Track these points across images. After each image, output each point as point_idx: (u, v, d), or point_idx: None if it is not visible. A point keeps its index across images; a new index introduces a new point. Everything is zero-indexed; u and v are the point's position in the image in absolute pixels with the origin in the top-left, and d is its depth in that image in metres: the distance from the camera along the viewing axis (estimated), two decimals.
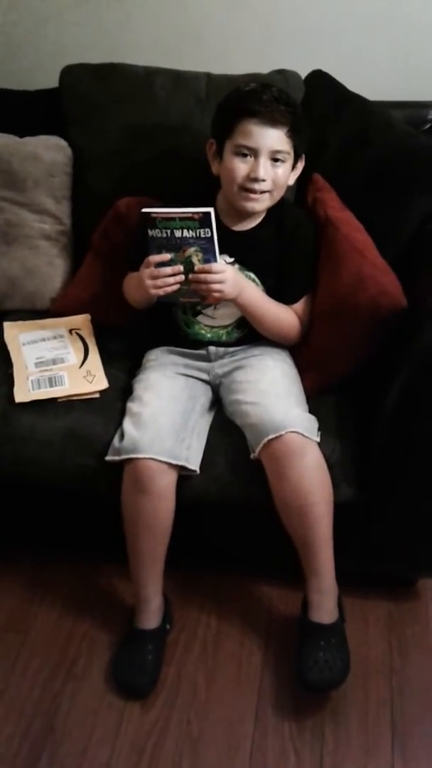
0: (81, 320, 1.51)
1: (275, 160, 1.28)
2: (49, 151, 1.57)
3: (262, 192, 1.30)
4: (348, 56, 1.67)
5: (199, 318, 1.40)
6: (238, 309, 1.34)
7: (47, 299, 1.59)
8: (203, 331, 1.41)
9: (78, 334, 1.48)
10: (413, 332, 1.19)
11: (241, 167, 1.28)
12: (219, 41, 1.73)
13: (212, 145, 1.35)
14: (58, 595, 1.48)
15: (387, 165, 1.39)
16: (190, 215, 1.17)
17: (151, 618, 1.33)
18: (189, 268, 1.23)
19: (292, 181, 1.36)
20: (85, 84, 1.57)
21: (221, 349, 1.41)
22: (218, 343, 1.41)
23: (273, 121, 1.25)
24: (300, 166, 1.36)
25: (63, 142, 1.59)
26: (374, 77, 1.63)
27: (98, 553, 1.52)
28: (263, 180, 1.28)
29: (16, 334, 1.48)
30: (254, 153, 1.27)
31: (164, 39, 1.75)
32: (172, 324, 1.42)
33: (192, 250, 1.21)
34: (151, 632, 1.33)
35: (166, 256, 1.23)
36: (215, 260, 1.23)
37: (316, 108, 1.51)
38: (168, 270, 1.23)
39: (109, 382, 1.38)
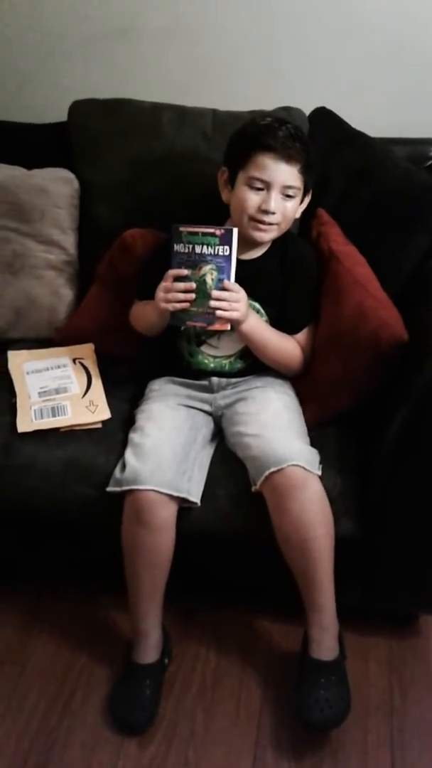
0: (85, 350, 1.52)
1: (286, 195, 1.31)
2: (57, 184, 1.60)
3: (271, 224, 1.32)
4: (351, 93, 1.70)
5: (203, 348, 1.41)
6: (242, 338, 1.35)
7: (52, 328, 1.61)
8: (206, 361, 1.41)
9: (82, 363, 1.49)
10: (415, 367, 1.19)
11: (253, 198, 1.31)
12: (224, 78, 1.76)
13: (224, 173, 1.37)
14: (57, 627, 1.47)
15: (388, 202, 1.41)
16: (212, 231, 1.22)
17: (149, 652, 1.31)
18: (202, 287, 1.25)
19: (298, 214, 1.38)
20: (92, 119, 1.60)
21: (224, 380, 1.42)
22: (221, 374, 1.42)
23: (288, 158, 1.29)
24: (307, 200, 1.39)
25: (70, 175, 1.61)
26: (377, 114, 1.66)
27: (97, 585, 1.51)
28: (273, 213, 1.30)
29: (20, 363, 1.49)
30: (267, 186, 1.30)
31: (171, 75, 1.78)
32: (176, 354, 1.43)
33: (208, 268, 1.24)
34: (149, 667, 1.31)
35: (184, 271, 1.26)
36: (229, 280, 1.25)
37: (320, 144, 1.53)
38: (181, 285, 1.25)
39: (112, 412, 1.39)
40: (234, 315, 1.26)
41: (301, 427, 1.34)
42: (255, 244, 1.37)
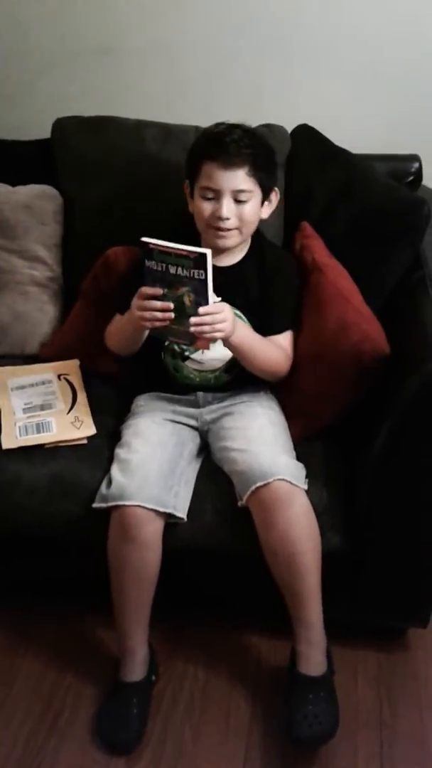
0: (70, 366, 1.52)
1: (238, 199, 1.32)
2: (41, 200, 1.60)
3: (229, 229, 1.33)
4: (333, 110, 1.72)
5: (188, 363, 1.41)
6: (230, 348, 1.33)
7: (36, 345, 1.60)
8: (192, 376, 1.42)
9: (67, 379, 1.49)
10: (399, 381, 1.20)
11: (206, 208, 1.33)
12: (208, 95, 1.78)
13: (187, 186, 1.40)
14: (43, 645, 1.46)
15: (370, 218, 1.43)
16: (186, 253, 1.16)
17: (136, 670, 1.31)
18: (180, 307, 1.21)
19: (266, 214, 1.40)
20: (76, 136, 1.61)
21: (210, 395, 1.42)
22: (207, 388, 1.42)
23: (231, 164, 1.30)
24: (274, 199, 1.40)
25: (54, 191, 1.62)
26: (358, 131, 1.68)
27: (83, 603, 1.50)
28: (227, 218, 1.32)
29: (5, 380, 1.48)
30: (217, 194, 1.31)
31: (155, 93, 1.80)
32: (161, 369, 1.43)
33: (184, 290, 1.19)
34: (136, 685, 1.30)
35: (159, 291, 1.21)
36: (206, 303, 1.20)
37: (302, 161, 1.56)
38: (158, 304, 1.21)
39: (97, 428, 1.38)
40: (218, 336, 1.24)
41: (287, 442, 1.34)
42: (226, 250, 1.39)
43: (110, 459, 1.32)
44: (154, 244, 1.18)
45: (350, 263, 1.40)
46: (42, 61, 1.80)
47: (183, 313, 1.21)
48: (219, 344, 1.31)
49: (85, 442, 1.36)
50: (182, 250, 1.16)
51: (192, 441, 1.39)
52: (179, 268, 1.17)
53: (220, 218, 1.31)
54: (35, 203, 1.59)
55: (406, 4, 1.63)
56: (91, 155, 1.59)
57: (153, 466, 1.27)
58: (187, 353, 1.40)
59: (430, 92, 1.71)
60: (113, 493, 1.23)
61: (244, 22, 1.70)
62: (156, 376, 1.44)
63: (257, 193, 1.34)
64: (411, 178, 1.59)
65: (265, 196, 1.37)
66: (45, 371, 1.51)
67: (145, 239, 1.19)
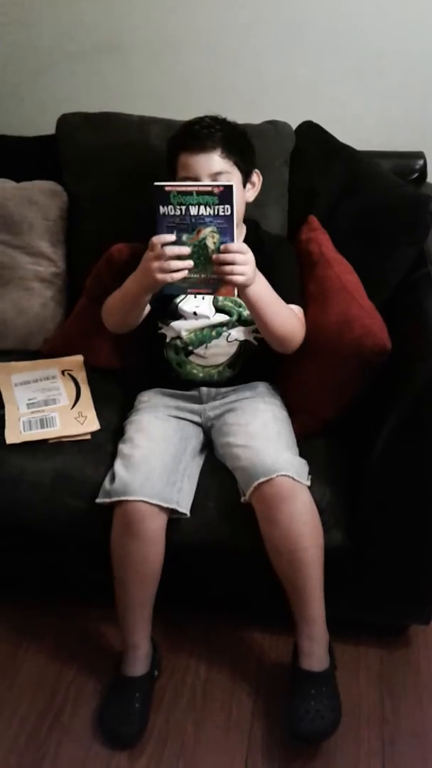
0: (73, 361, 1.52)
1: None
2: (45, 196, 1.60)
3: None
4: (337, 107, 1.73)
5: (191, 358, 1.41)
6: (248, 304, 1.28)
7: (40, 340, 1.61)
8: (195, 371, 1.42)
9: (70, 375, 1.49)
10: (403, 378, 1.20)
11: None
12: (212, 92, 1.78)
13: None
14: (46, 640, 1.46)
15: (374, 214, 1.43)
16: (210, 189, 1.10)
17: (138, 665, 1.31)
18: (202, 252, 1.13)
19: (251, 197, 1.40)
20: (81, 132, 1.61)
21: (213, 391, 1.42)
22: (210, 384, 1.42)
23: (203, 148, 1.31)
24: (257, 180, 1.41)
25: (59, 187, 1.62)
26: (363, 128, 1.68)
27: (86, 597, 1.51)
28: None
29: (9, 375, 1.49)
30: (196, 181, 1.31)
31: (159, 89, 1.80)
32: (164, 365, 1.43)
33: (208, 230, 1.12)
34: (138, 679, 1.31)
35: (171, 237, 1.13)
36: (232, 241, 1.14)
37: (306, 158, 1.56)
38: (176, 250, 1.14)
39: (101, 423, 1.39)
40: (240, 279, 1.17)
41: (290, 438, 1.34)
42: None
43: (113, 454, 1.32)
44: (171, 186, 1.11)
45: (354, 259, 1.40)
46: (47, 57, 1.80)
47: (204, 258, 1.14)
48: (227, 337, 1.28)
49: (88, 437, 1.37)
50: (205, 185, 1.12)
51: (195, 437, 1.39)
52: (201, 207, 1.11)
53: None
54: (40, 199, 1.60)
55: (410, 1, 1.62)
56: (96, 151, 1.59)
57: (156, 461, 1.27)
58: (190, 348, 1.40)
59: None
60: (116, 488, 1.24)
61: (248, 18, 1.69)
62: (159, 372, 1.45)
63: (236, 175, 1.34)
64: (416, 175, 1.59)
65: (246, 179, 1.37)
66: (49, 367, 1.51)
67: (158, 183, 1.11)
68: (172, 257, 1.15)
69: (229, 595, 1.47)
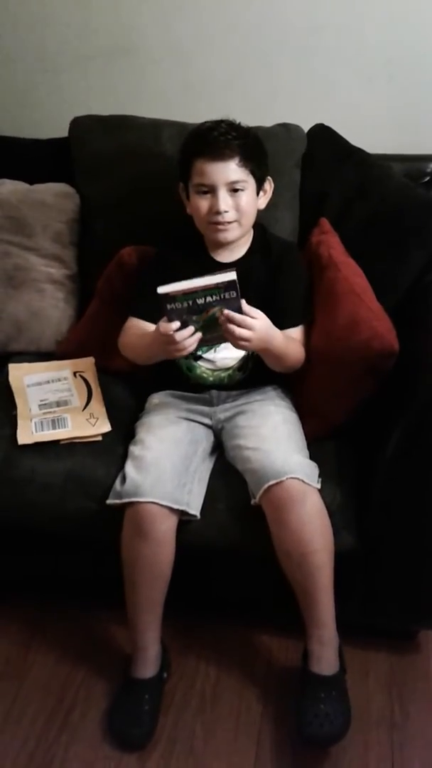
0: (85, 363, 1.52)
1: (234, 190, 1.33)
2: (58, 198, 1.61)
3: (229, 222, 1.34)
4: (350, 110, 1.72)
5: (200, 362, 1.41)
6: (258, 351, 1.31)
7: (52, 342, 1.61)
8: (205, 375, 1.42)
9: (82, 376, 1.49)
10: (413, 381, 1.20)
11: (203, 204, 1.33)
12: (224, 95, 1.78)
13: (182, 188, 1.41)
14: (55, 642, 1.46)
15: (386, 217, 1.43)
16: (213, 286, 1.13)
17: (148, 666, 1.31)
18: (212, 320, 1.18)
19: (263, 205, 1.40)
20: (93, 135, 1.62)
21: (223, 393, 1.42)
22: (220, 387, 1.42)
23: (221, 156, 1.31)
24: (269, 188, 1.41)
25: (71, 190, 1.63)
26: (375, 131, 1.68)
27: (96, 599, 1.51)
28: (225, 211, 1.32)
29: (21, 376, 1.49)
30: (212, 189, 1.32)
31: (170, 92, 1.80)
32: (175, 368, 1.43)
33: (215, 309, 1.17)
34: (148, 681, 1.31)
35: (176, 325, 1.18)
36: (240, 312, 1.19)
37: (318, 161, 1.56)
38: (187, 333, 1.19)
39: (112, 425, 1.39)
40: (244, 344, 1.22)
41: (301, 441, 1.34)
42: (226, 244, 1.39)
43: (124, 456, 1.32)
44: (174, 292, 1.14)
45: (365, 262, 1.40)
46: (60, 61, 1.81)
47: (215, 323, 1.19)
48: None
49: (99, 438, 1.37)
50: (209, 284, 1.14)
51: (206, 439, 1.39)
52: (208, 297, 1.15)
53: (218, 212, 1.32)
54: (52, 201, 1.60)
55: (422, 4, 1.62)
56: (108, 154, 1.60)
57: (167, 463, 1.27)
58: (200, 353, 1.40)
59: None
60: (127, 489, 1.24)
61: (259, 21, 1.70)
62: (170, 374, 1.45)
63: (251, 183, 1.35)
64: (427, 178, 1.59)
65: (259, 186, 1.38)
66: (61, 368, 1.52)
67: (162, 290, 1.14)
68: (184, 338, 1.19)
69: (238, 597, 1.47)
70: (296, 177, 1.56)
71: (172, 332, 1.19)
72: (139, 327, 1.40)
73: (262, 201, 1.40)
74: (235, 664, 1.42)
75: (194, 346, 1.22)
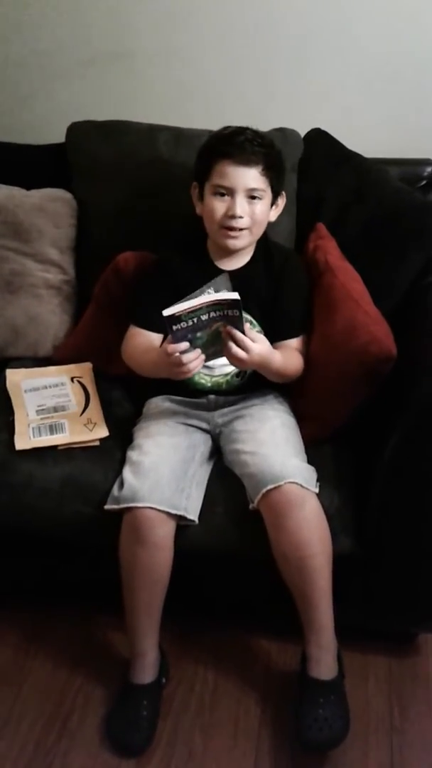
0: (83, 368, 1.53)
1: (252, 197, 1.33)
2: (55, 204, 1.61)
3: (241, 229, 1.34)
4: (346, 115, 1.73)
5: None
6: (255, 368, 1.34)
7: (50, 347, 1.61)
8: (203, 381, 1.42)
9: (79, 382, 1.49)
10: (411, 385, 1.20)
11: (219, 206, 1.33)
12: (221, 99, 1.79)
13: (195, 188, 1.40)
14: (53, 647, 1.46)
15: (382, 221, 1.43)
16: (218, 302, 1.15)
17: (146, 672, 1.31)
18: (216, 335, 1.21)
19: (273, 217, 1.40)
20: (90, 140, 1.62)
21: (221, 398, 1.42)
22: (218, 392, 1.42)
23: (246, 161, 1.31)
24: (281, 203, 1.41)
25: (68, 195, 1.63)
26: (371, 135, 1.68)
27: (95, 604, 1.51)
28: (241, 217, 1.32)
29: (19, 381, 1.49)
30: (231, 192, 1.32)
31: (167, 97, 1.81)
32: None
33: (218, 324, 1.19)
34: (146, 687, 1.30)
35: (185, 346, 1.20)
36: (242, 330, 1.21)
37: (315, 165, 1.56)
38: (192, 356, 1.21)
39: (110, 430, 1.39)
40: (238, 364, 1.26)
41: (299, 445, 1.34)
42: (234, 252, 1.39)
43: (122, 461, 1.32)
44: (179, 312, 1.14)
45: (362, 266, 1.40)
46: (56, 66, 1.82)
47: (218, 338, 1.21)
48: None
49: (97, 443, 1.37)
50: (214, 301, 1.15)
51: (204, 444, 1.39)
52: (212, 313, 1.17)
53: (234, 216, 1.32)
54: (49, 206, 1.60)
55: (418, 8, 1.63)
56: (105, 159, 1.60)
57: (165, 468, 1.27)
58: None
59: None
60: (125, 495, 1.24)
61: (255, 26, 1.70)
62: (167, 380, 1.44)
63: (268, 194, 1.35)
64: (424, 182, 1.59)
65: (274, 199, 1.38)
66: (58, 373, 1.52)
67: (168, 312, 1.14)
68: (191, 360, 1.21)
69: (237, 602, 1.46)
70: (293, 181, 1.56)
71: (179, 354, 1.20)
72: (142, 336, 1.40)
73: (273, 213, 1.40)
74: (233, 669, 1.42)
75: (199, 367, 1.24)
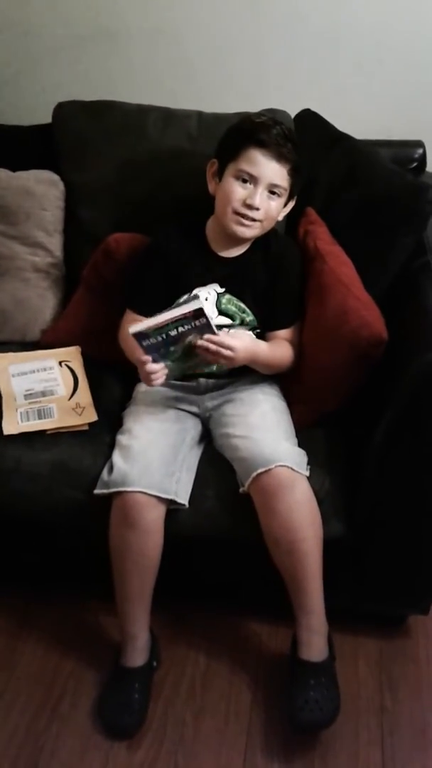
0: (71, 352, 1.51)
1: (272, 192, 1.32)
2: (42, 185, 1.59)
3: (254, 220, 1.33)
4: (337, 96, 1.72)
5: None
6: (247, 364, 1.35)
7: (37, 331, 1.60)
8: None
9: (68, 366, 1.48)
10: (401, 368, 1.19)
11: (239, 191, 1.31)
12: (210, 80, 1.77)
13: (213, 164, 1.37)
14: (44, 631, 1.46)
15: (373, 203, 1.42)
16: (182, 316, 1.17)
17: (137, 655, 1.31)
18: (189, 349, 1.24)
19: (281, 217, 1.39)
20: (77, 120, 1.59)
21: (211, 382, 1.41)
22: (209, 375, 1.41)
23: (279, 156, 1.30)
24: (291, 204, 1.40)
25: (55, 177, 1.61)
26: (362, 117, 1.67)
27: (85, 589, 1.50)
28: (257, 209, 1.31)
29: (6, 366, 1.48)
30: (254, 181, 1.30)
31: (156, 78, 1.79)
32: None
33: (190, 337, 1.22)
34: (137, 670, 1.30)
35: (148, 359, 1.23)
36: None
37: (306, 146, 1.52)
38: (156, 368, 1.24)
39: (99, 414, 1.38)
40: (226, 362, 1.27)
41: (289, 428, 1.34)
42: (237, 240, 1.38)
43: (111, 445, 1.32)
44: (145, 330, 1.19)
45: (353, 249, 1.39)
46: (43, 46, 1.79)
47: (192, 352, 1.24)
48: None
49: (86, 428, 1.36)
50: (177, 315, 1.17)
51: (194, 428, 1.38)
52: (179, 327, 1.19)
53: (251, 206, 1.30)
54: (36, 188, 1.58)
55: None
56: (93, 140, 1.58)
57: (155, 452, 1.27)
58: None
59: None
60: (115, 479, 1.23)
61: (247, 7, 1.68)
62: None
63: (285, 194, 1.34)
64: (415, 164, 1.58)
65: (288, 200, 1.37)
66: (46, 357, 1.50)
67: (134, 330, 1.19)
68: (154, 372, 1.25)
69: (228, 585, 1.47)
70: None
71: (145, 365, 1.24)
72: (137, 321, 1.38)
73: (282, 213, 1.39)
74: (224, 653, 1.42)
75: (162, 380, 1.26)
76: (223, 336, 1.24)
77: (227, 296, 1.37)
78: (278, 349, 1.37)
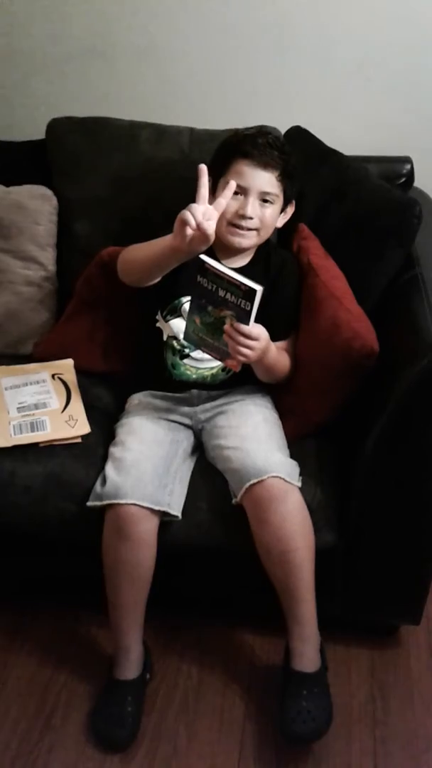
0: (64, 365, 1.52)
1: (264, 200, 1.34)
2: (35, 200, 1.61)
3: (249, 229, 1.35)
4: (326, 113, 1.74)
5: (186, 360, 1.42)
6: (253, 364, 1.33)
7: (30, 344, 1.61)
8: (189, 372, 1.42)
9: (60, 378, 1.49)
10: (391, 380, 1.21)
11: (231, 204, 1.33)
12: (202, 97, 1.79)
13: (209, 181, 1.39)
14: (37, 644, 1.46)
15: (362, 218, 1.44)
16: (238, 283, 1.16)
17: (130, 668, 1.31)
18: (220, 325, 1.22)
19: (280, 223, 1.41)
20: (71, 136, 1.61)
21: (204, 393, 1.43)
22: (202, 386, 1.43)
23: (264, 164, 1.32)
24: (290, 210, 1.42)
25: (48, 192, 1.62)
26: (350, 133, 1.69)
27: (78, 601, 1.50)
28: (251, 218, 1.33)
29: None
30: (245, 192, 1.32)
31: (149, 94, 1.80)
32: (158, 366, 1.43)
33: (228, 313, 1.20)
34: (130, 683, 1.30)
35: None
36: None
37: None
38: (199, 211, 1.17)
39: (92, 426, 1.39)
40: (242, 360, 1.24)
41: (281, 440, 1.35)
42: (237, 251, 1.40)
43: (104, 457, 1.32)
44: (209, 265, 1.17)
45: (343, 263, 1.41)
46: (36, 62, 1.80)
47: (221, 330, 1.22)
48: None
49: (79, 440, 1.36)
50: (235, 279, 1.16)
51: (186, 439, 1.39)
52: (228, 294, 1.17)
53: (244, 216, 1.32)
54: (29, 203, 1.60)
55: (398, 7, 1.64)
56: (86, 156, 1.60)
57: (147, 464, 1.27)
58: (187, 351, 1.40)
59: (422, 95, 1.73)
60: (108, 491, 1.24)
61: (237, 24, 1.71)
62: (151, 373, 1.45)
63: (280, 200, 1.36)
64: (403, 179, 1.61)
65: (284, 206, 1.39)
66: (39, 370, 1.51)
67: (203, 257, 1.17)
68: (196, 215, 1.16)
69: (220, 596, 1.47)
70: None
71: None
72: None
73: (281, 220, 1.41)
74: (217, 664, 1.42)
75: (212, 229, 1.18)
76: (253, 326, 1.21)
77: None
78: (282, 354, 1.39)
